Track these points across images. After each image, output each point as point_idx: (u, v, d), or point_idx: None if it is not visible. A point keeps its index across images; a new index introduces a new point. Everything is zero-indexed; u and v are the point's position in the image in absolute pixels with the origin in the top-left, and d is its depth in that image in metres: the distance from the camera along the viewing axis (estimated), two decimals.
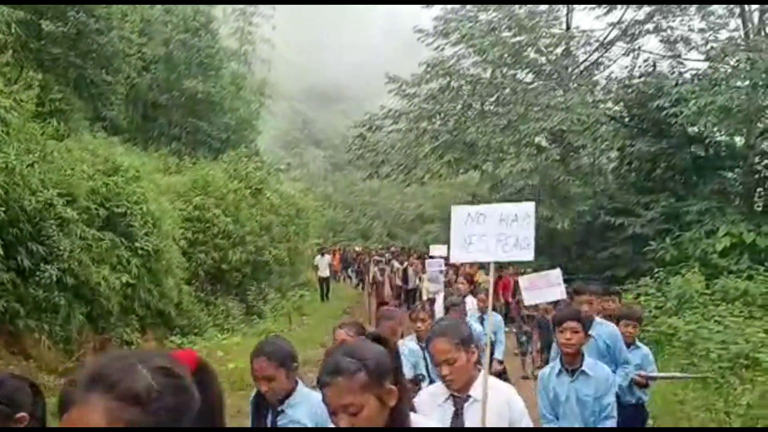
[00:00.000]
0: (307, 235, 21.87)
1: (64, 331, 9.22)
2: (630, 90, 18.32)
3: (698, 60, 18.14)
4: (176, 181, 14.99)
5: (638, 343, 5.58)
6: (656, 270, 12.79)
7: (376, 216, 46.19)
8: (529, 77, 19.50)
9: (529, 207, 3.86)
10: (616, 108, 19.47)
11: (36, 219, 8.83)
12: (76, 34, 13.60)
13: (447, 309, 6.61)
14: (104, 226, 10.52)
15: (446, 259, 12.59)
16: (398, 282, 18.31)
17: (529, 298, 6.80)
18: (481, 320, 7.46)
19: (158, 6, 20.39)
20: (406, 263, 19.14)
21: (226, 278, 15.05)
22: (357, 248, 37.30)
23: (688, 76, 17.33)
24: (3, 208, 7.64)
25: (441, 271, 11.79)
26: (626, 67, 19.68)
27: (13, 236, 8.53)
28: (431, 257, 12.75)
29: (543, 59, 19.45)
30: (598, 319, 5.22)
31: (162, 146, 19.09)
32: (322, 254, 22.25)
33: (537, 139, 18.71)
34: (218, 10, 26.78)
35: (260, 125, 26.86)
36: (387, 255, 23.68)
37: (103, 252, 10.16)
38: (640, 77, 18.60)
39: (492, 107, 18.78)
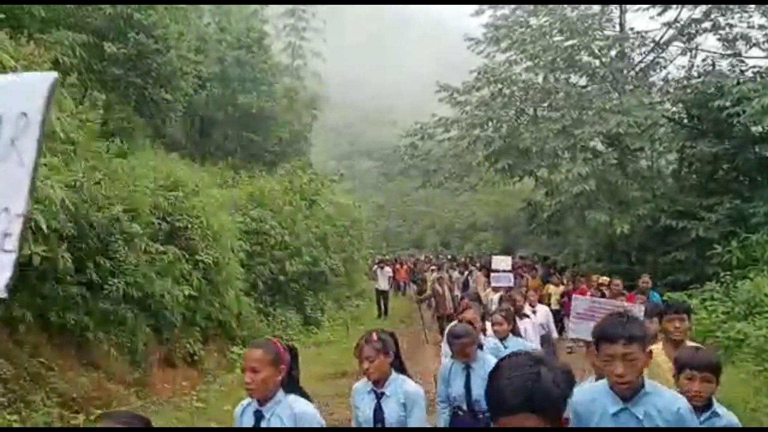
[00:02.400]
0: (361, 245, 21.99)
1: (131, 343, 9.47)
2: (688, 90, 17.83)
3: (760, 57, 17.56)
4: (233, 195, 15.28)
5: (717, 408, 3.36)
6: (722, 274, 12.37)
7: (429, 225, 46.17)
8: (583, 81, 19.20)
9: None
10: (674, 109, 18.97)
11: (103, 234, 9.12)
12: (136, 55, 14.07)
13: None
14: (166, 240, 10.79)
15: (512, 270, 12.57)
16: (458, 293, 16.67)
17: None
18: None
19: (213, 24, 20.91)
20: (466, 273, 18.25)
21: (284, 289, 15.23)
22: (426, 257, 35.63)
23: (749, 74, 16.76)
24: (72, 224, 7.90)
25: (510, 288, 11.31)
26: (683, 67, 19.20)
27: (82, 251, 8.82)
28: (496, 271, 12.60)
29: (596, 62, 19.13)
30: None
31: (218, 161, 19.52)
32: (382, 267, 20.27)
33: (592, 144, 18.39)
34: (270, 26, 27.28)
35: (312, 138, 27.23)
36: (446, 264, 22.80)
37: (166, 265, 10.42)
38: (698, 77, 18.09)
39: (545, 112, 18.54)
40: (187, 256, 11.04)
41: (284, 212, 15.46)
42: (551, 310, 13.91)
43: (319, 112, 27.77)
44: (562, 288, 14.46)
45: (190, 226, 11.17)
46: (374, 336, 4.02)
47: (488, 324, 6.36)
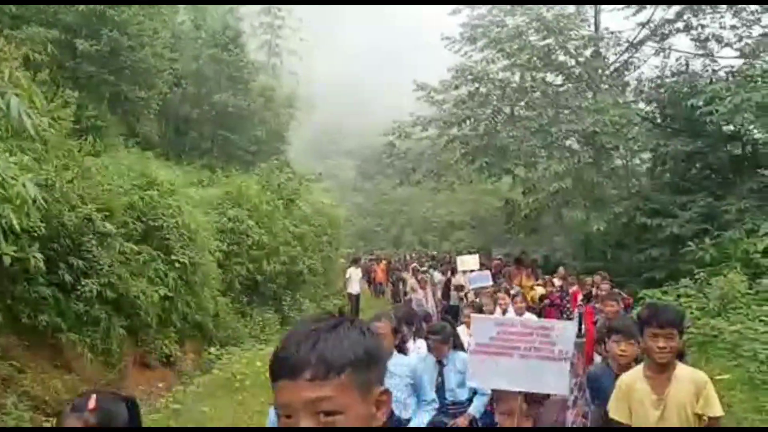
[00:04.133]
0: (339, 244, 21.92)
1: (105, 344, 9.34)
2: (662, 90, 18.05)
3: (732, 57, 17.82)
4: (209, 194, 15.14)
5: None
6: (696, 271, 12.51)
7: (406, 224, 46.17)
8: (559, 80, 19.32)
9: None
10: (648, 108, 19.19)
11: (75, 234, 8.97)
12: (110, 52, 13.86)
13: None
14: (141, 239, 10.66)
15: (487, 267, 12.08)
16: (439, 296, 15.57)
17: None
18: None
19: (188, 22, 20.70)
20: (449, 274, 16.29)
21: (261, 289, 15.12)
22: (410, 255, 33.67)
23: (722, 74, 16.99)
24: (44, 224, 7.75)
25: (487, 287, 10.95)
26: (657, 67, 19.43)
27: (54, 251, 8.67)
28: (471, 271, 12.22)
29: (572, 61, 19.26)
30: None
31: (194, 160, 19.34)
32: (356, 266, 19.47)
33: (568, 143, 18.53)
34: (246, 24, 27.10)
35: (291, 137, 27.09)
36: (427, 263, 22.01)
37: (141, 265, 10.30)
38: (672, 77, 18.31)
39: (522, 111, 18.65)
40: (162, 256, 10.92)
41: (261, 211, 15.33)
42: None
43: (297, 111, 27.65)
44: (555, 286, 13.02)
45: (165, 225, 11.04)
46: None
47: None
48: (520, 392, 4.02)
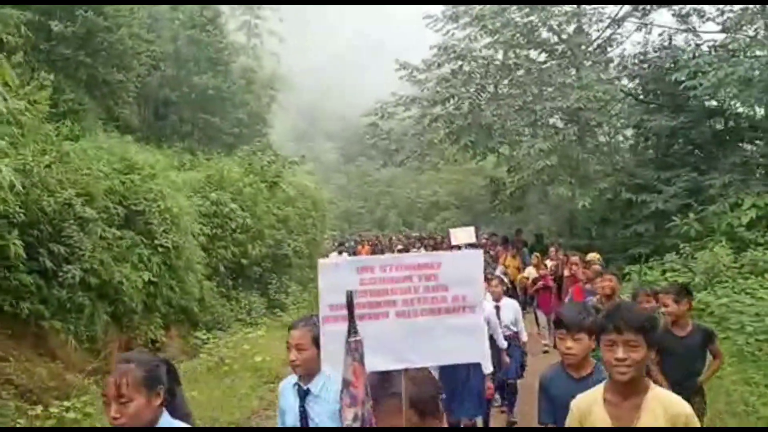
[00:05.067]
0: (324, 227, 21.80)
1: (89, 331, 9.21)
2: (645, 65, 18.04)
3: (714, 32, 17.81)
4: (191, 178, 14.92)
5: None
6: (681, 246, 12.59)
7: (391, 205, 46.12)
8: (542, 57, 19.22)
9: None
10: (631, 85, 19.21)
11: (56, 220, 8.79)
12: (86, 33, 13.55)
13: None
14: (123, 224, 10.49)
15: (479, 245, 11.35)
16: None
17: None
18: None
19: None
20: None
21: (246, 272, 15.00)
22: (396, 236, 32.93)
23: (705, 48, 16.99)
24: (22, 210, 7.58)
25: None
26: (639, 42, 19.39)
27: (34, 238, 8.49)
28: (458, 247, 11.20)
29: (555, 38, 19.17)
30: None
31: (174, 143, 19.05)
32: (340, 252, 19.32)
33: (552, 120, 18.50)
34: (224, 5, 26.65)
35: (271, 119, 26.82)
36: (415, 243, 21.37)
37: (123, 251, 10.14)
38: (655, 52, 18.29)
39: (506, 89, 18.57)
40: (145, 240, 10.76)
41: (245, 195, 15.17)
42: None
43: (278, 93, 27.35)
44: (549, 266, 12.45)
45: (147, 210, 10.87)
46: (309, 321, 3.44)
47: None
48: (403, 372, 2.59)
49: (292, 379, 3.57)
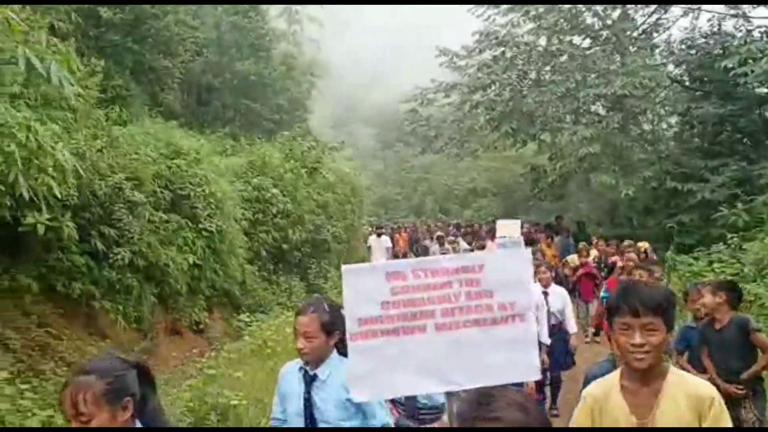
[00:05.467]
0: (362, 212, 21.87)
1: (137, 312, 9.43)
2: (693, 51, 17.60)
3: (767, 17, 17.29)
4: (234, 163, 15.11)
5: None
6: (729, 236, 12.32)
7: (428, 191, 45.95)
8: (586, 43, 18.89)
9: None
10: (677, 71, 18.78)
11: (106, 203, 9.01)
12: (134, 20, 13.75)
13: None
14: (170, 208, 10.70)
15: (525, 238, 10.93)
16: None
17: None
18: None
19: None
20: (474, 245, 15.49)
21: (286, 257, 15.16)
22: (434, 224, 33.55)
23: (756, 34, 16.49)
24: (76, 193, 7.77)
25: None
26: (686, 28, 18.92)
27: (86, 220, 8.72)
28: (503, 238, 11.11)
29: (599, 23, 18.83)
30: None
31: (216, 129, 19.27)
32: (379, 234, 18.92)
33: (593, 108, 18.22)
34: None
35: (311, 105, 26.93)
36: (453, 231, 21.02)
37: (170, 234, 10.35)
38: (703, 38, 17.83)
39: (548, 76, 18.31)
40: (190, 224, 10.96)
41: (285, 180, 15.29)
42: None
43: (317, 79, 27.43)
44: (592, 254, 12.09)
45: (192, 194, 11.06)
46: (318, 306, 3.21)
47: None
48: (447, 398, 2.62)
49: (297, 363, 3.35)
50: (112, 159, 9.24)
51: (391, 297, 2.49)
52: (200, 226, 11.10)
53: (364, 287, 2.52)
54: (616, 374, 2.58)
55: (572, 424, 2.60)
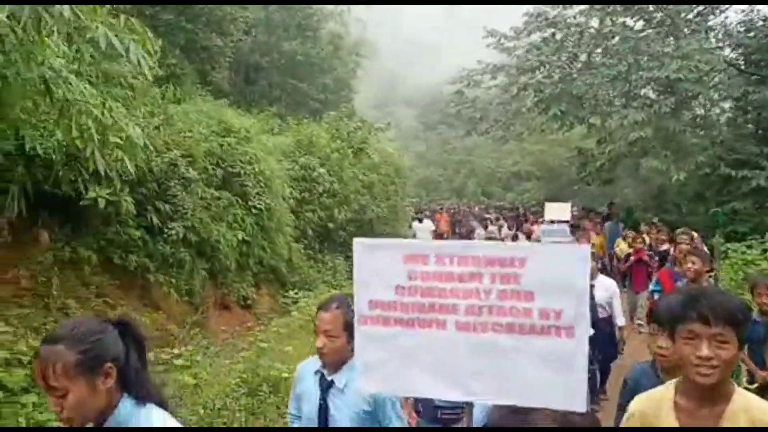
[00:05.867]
0: (405, 194, 21.90)
1: (189, 285, 9.69)
2: (751, 35, 17.07)
3: None
4: (281, 142, 15.27)
5: None
6: None
7: (470, 174, 45.74)
8: (639, 24, 18.46)
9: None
10: (733, 55, 18.25)
11: (162, 179, 9.24)
12: None
13: None
14: (221, 185, 10.91)
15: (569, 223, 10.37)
16: None
17: None
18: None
19: None
20: (514, 230, 15.12)
21: (332, 236, 15.31)
22: (478, 207, 32.06)
23: None
24: (135, 169, 8.00)
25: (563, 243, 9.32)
26: (743, 11, 18.32)
27: (143, 196, 8.97)
28: (551, 222, 11.11)
29: (654, 5, 18.36)
30: None
31: (263, 108, 19.47)
32: (420, 220, 18.91)
33: (644, 91, 17.84)
34: None
35: (356, 85, 26.97)
36: (494, 214, 20.62)
37: (220, 210, 10.57)
38: (762, 21, 17.27)
39: (599, 58, 17.98)
40: (240, 201, 11.17)
41: (332, 160, 15.43)
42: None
43: (363, 59, 27.42)
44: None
45: (243, 172, 11.25)
46: (343, 302, 2.95)
47: None
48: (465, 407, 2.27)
49: (314, 363, 3.10)
50: (168, 136, 9.46)
51: (407, 282, 2.15)
52: (249, 203, 11.30)
53: (377, 265, 2.20)
54: (669, 388, 2.30)
55: None
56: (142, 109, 8.75)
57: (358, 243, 2.26)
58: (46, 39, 3.56)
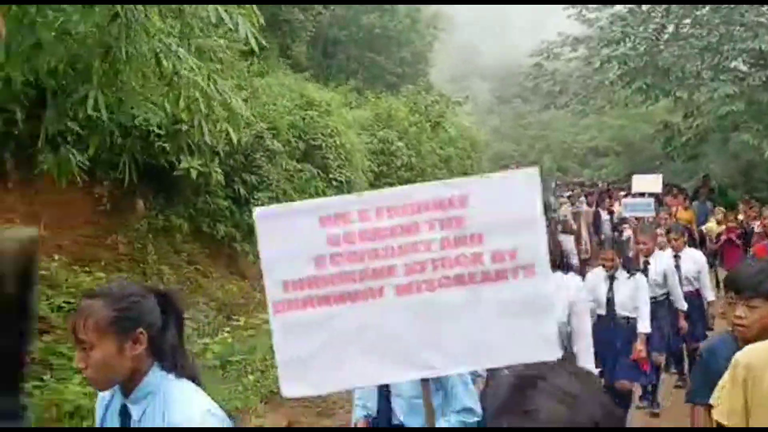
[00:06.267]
0: (481, 168, 21.75)
1: None
2: None
3: None
4: (360, 115, 15.42)
5: None
6: None
7: (545, 149, 44.86)
8: None
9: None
10: None
11: (248, 151, 9.54)
12: None
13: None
14: (303, 158, 11.16)
15: (656, 197, 10.05)
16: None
17: None
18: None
19: None
20: (594, 206, 13.86)
21: None
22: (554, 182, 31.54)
23: None
24: (225, 140, 8.28)
25: (647, 218, 8.78)
26: None
27: (230, 167, 9.29)
28: (634, 195, 10.35)
29: None
30: None
31: (341, 82, 19.64)
32: None
33: (734, 63, 17.03)
34: None
35: (433, 58, 26.78)
36: (576, 191, 19.52)
37: (302, 183, 10.82)
38: None
39: (688, 29, 17.23)
40: (321, 174, 11.38)
41: (410, 134, 15.50)
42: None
43: (440, 32, 27.15)
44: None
45: (324, 145, 11.46)
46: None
47: None
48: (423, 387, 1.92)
49: None
50: (254, 109, 9.71)
51: (328, 249, 1.79)
52: (330, 176, 11.50)
53: (288, 237, 1.81)
54: None
55: (718, 393, 2.25)
56: (230, 82, 9.00)
57: (260, 213, 1.87)
58: (155, 14, 3.76)
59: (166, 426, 1.77)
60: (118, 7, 3.55)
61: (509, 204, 1.74)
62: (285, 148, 10.41)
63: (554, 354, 1.73)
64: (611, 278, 5.39)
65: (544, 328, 1.75)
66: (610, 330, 5.26)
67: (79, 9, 3.54)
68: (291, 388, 1.86)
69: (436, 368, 1.77)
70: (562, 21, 21.11)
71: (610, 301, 5.36)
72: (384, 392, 2.60)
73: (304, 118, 11.28)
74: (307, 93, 12.15)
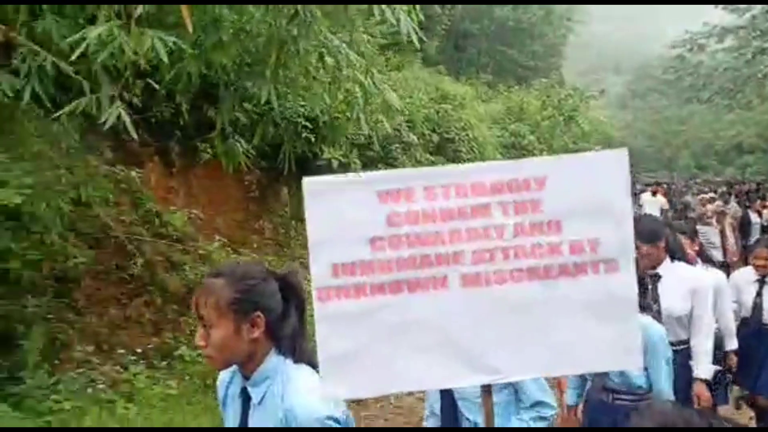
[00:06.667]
0: None
1: None
2: None
3: None
4: (491, 109, 15.40)
5: None
6: None
7: (682, 146, 42.58)
8: None
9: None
10: None
11: (385, 143, 9.80)
12: None
13: None
14: (435, 150, 11.32)
15: None
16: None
17: None
18: None
19: None
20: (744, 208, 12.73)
21: None
22: (695, 181, 28.99)
23: None
24: (365, 133, 8.58)
25: None
26: None
27: (368, 158, 9.60)
28: None
29: None
30: None
31: (471, 75, 19.61)
32: (654, 192, 17.30)
33: None
34: None
35: (566, 51, 26.17)
36: (721, 190, 17.97)
37: None
38: None
39: None
40: None
41: (541, 127, 15.29)
42: None
43: (575, 24, 26.45)
44: None
45: (457, 138, 11.57)
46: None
47: None
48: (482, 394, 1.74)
49: None
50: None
51: (387, 230, 1.60)
52: None
53: (342, 213, 1.61)
54: None
55: None
56: (381, 76, 9.30)
57: (309, 183, 1.63)
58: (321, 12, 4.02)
59: (284, 410, 1.72)
60: (299, 6, 3.81)
61: (593, 188, 1.55)
62: (420, 140, 10.61)
63: (636, 363, 1.61)
64: (762, 281, 5.01)
65: (627, 333, 1.57)
66: (755, 337, 4.89)
67: (262, 9, 3.85)
68: (336, 387, 1.64)
69: (501, 373, 1.58)
70: (708, 10, 19.99)
71: (757, 306, 4.99)
72: (448, 391, 2.40)
73: (438, 112, 11.44)
74: (442, 86, 12.33)
